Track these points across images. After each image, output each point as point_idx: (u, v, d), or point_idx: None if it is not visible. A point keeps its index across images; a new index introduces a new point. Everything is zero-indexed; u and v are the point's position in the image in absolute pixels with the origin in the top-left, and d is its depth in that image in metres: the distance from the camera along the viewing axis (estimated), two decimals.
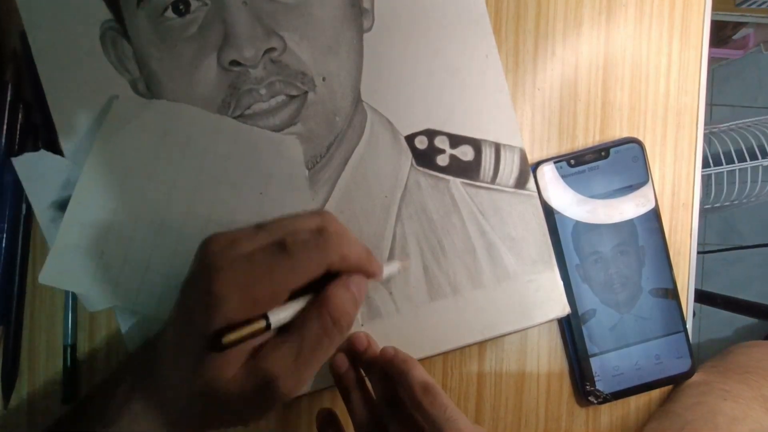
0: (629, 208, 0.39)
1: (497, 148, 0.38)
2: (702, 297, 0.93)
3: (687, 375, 0.39)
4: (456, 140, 0.38)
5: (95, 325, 0.38)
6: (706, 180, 0.77)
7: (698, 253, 0.41)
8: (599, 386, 0.38)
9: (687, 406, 0.37)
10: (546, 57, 0.40)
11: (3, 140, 0.37)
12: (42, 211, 0.37)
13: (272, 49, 0.36)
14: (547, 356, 0.40)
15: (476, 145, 0.38)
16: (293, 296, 0.28)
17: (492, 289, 0.37)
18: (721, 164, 0.77)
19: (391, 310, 0.37)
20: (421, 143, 0.38)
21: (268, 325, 0.27)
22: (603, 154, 0.39)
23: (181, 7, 0.36)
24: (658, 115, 0.40)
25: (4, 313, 0.37)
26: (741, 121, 0.83)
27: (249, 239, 0.28)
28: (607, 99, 0.40)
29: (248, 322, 0.27)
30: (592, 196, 0.39)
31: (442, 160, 0.38)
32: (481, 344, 0.39)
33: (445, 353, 0.39)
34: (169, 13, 0.36)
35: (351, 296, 0.29)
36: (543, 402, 0.40)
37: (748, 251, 1.33)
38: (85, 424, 0.32)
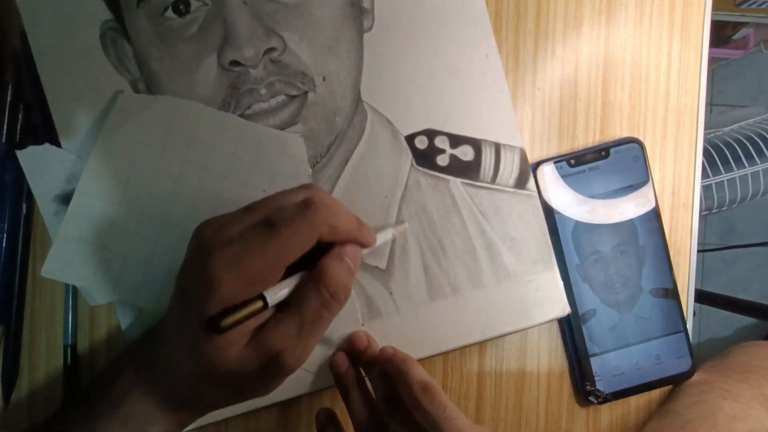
0: (629, 208, 0.39)
1: (497, 148, 0.38)
2: (702, 297, 0.93)
3: (687, 375, 0.39)
4: (456, 140, 0.38)
5: (95, 325, 0.38)
6: (704, 190, 0.77)
7: (698, 252, 0.41)
8: (599, 386, 0.38)
9: (687, 405, 0.38)
10: (546, 57, 0.40)
11: (3, 140, 0.37)
12: (45, 204, 0.37)
13: (272, 49, 0.36)
14: (547, 356, 0.40)
15: (476, 145, 0.38)
16: (289, 273, 0.29)
17: (492, 289, 0.38)
18: (720, 172, 0.77)
19: (391, 310, 0.37)
20: (421, 143, 0.38)
21: (266, 304, 0.27)
22: (603, 154, 0.39)
23: (181, 7, 0.36)
24: (658, 115, 0.40)
25: (5, 313, 0.37)
26: (743, 122, 0.82)
27: (239, 220, 0.28)
28: (607, 99, 0.40)
29: (245, 303, 0.27)
30: (593, 196, 0.39)
31: (442, 160, 0.38)
32: (481, 344, 0.39)
33: (445, 353, 0.39)
34: (169, 13, 0.36)
35: (346, 267, 0.29)
36: (543, 402, 0.40)
37: (748, 251, 1.33)
38: (88, 410, 0.32)
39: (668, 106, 0.40)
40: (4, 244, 0.37)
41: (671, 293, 0.39)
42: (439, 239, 0.38)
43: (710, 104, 1.44)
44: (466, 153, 0.38)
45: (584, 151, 0.39)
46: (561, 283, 0.38)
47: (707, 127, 0.81)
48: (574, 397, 0.40)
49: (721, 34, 1.24)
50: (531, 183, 0.38)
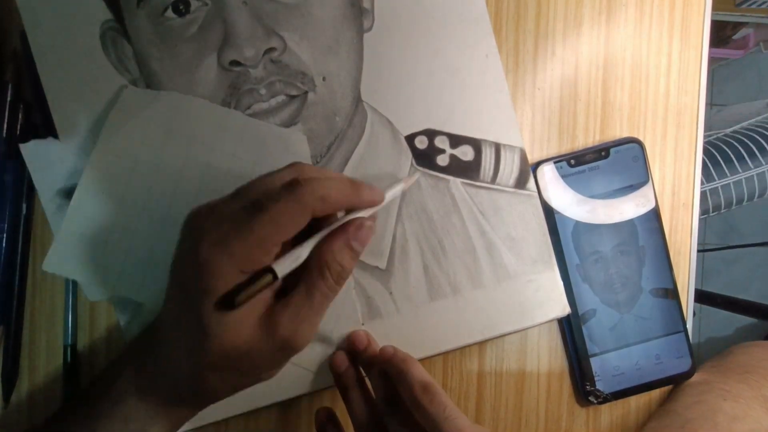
0: (629, 208, 0.39)
1: (497, 148, 0.38)
2: (702, 297, 0.93)
3: (687, 375, 0.39)
4: (456, 140, 0.38)
5: (95, 325, 0.38)
6: (704, 195, 0.76)
7: (698, 252, 0.41)
8: (599, 386, 0.38)
9: (687, 405, 0.38)
10: (546, 57, 0.40)
11: (3, 140, 0.37)
12: (48, 199, 0.37)
13: (272, 49, 0.36)
14: (547, 356, 0.40)
15: (476, 145, 0.38)
16: (294, 245, 0.29)
17: (492, 289, 0.38)
18: (726, 174, 0.77)
19: (391, 310, 0.37)
20: (421, 143, 0.38)
21: (275, 276, 0.28)
22: (603, 154, 0.39)
23: (181, 7, 0.36)
24: (658, 115, 0.40)
25: (5, 313, 0.37)
26: (745, 122, 0.82)
27: (227, 204, 0.28)
28: (607, 99, 0.40)
29: (254, 278, 0.27)
30: (592, 196, 0.39)
31: (442, 160, 0.38)
32: (481, 344, 0.39)
33: (445, 353, 0.39)
34: (169, 13, 0.36)
35: (349, 252, 0.29)
36: (543, 402, 0.40)
37: (748, 251, 1.33)
38: (88, 410, 0.32)
39: (668, 106, 0.40)
40: (4, 244, 0.37)
41: (671, 293, 0.39)
42: (439, 239, 0.38)
43: (710, 104, 1.44)
44: (466, 153, 0.38)
45: (584, 151, 0.39)
46: (561, 283, 0.38)
47: (707, 127, 0.81)
48: (574, 397, 0.40)
49: (721, 34, 1.24)
50: (531, 183, 0.38)
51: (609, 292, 0.39)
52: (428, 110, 0.38)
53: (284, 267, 0.28)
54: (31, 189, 0.38)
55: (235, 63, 0.36)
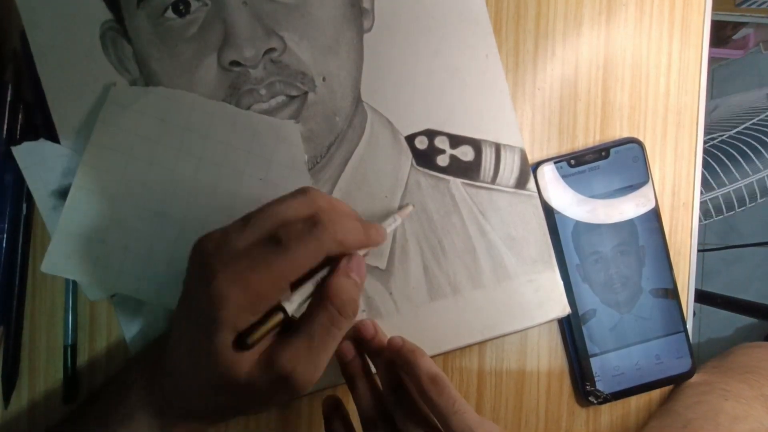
0: (629, 208, 0.39)
1: (497, 148, 0.38)
2: (702, 297, 0.93)
3: (687, 375, 0.39)
4: (456, 140, 0.38)
5: (95, 325, 0.38)
6: (703, 205, 0.76)
7: (698, 252, 0.41)
8: (599, 386, 0.38)
9: (688, 405, 0.37)
10: (546, 57, 0.40)
11: (3, 140, 0.37)
12: (43, 200, 0.37)
13: (272, 50, 0.36)
14: (547, 356, 0.40)
15: (476, 145, 0.38)
16: (298, 282, 0.29)
17: (492, 289, 0.37)
18: (722, 183, 0.76)
19: (391, 310, 0.37)
20: (421, 143, 0.38)
21: (286, 315, 0.28)
22: (603, 154, 0.39)
23: (181, 7, 0.36)
24: (658, 114, 0.40)
25: (5, 313, 0.37)
26: (747, 124, 0.82)
27: (239, 233, 0.28)
28: (607, 99, 0.40)
29: (267, 317, 0.27)
30: (593, 196, 0.39)
31: (442, 160, 0.38)
32: (481, 344, 0.39)
33: (445, 353, 0.39)
34: (170, 13, 0.36)
35: (352, 282, 0.30)
36: (543, 402, 0.40)
37: (748, 251, 1.33)
38: (95, 424, 0.32)
39: (668, 105, 0.40)
40: (4, 244, 0.37)
41: (671, 293, 0.39)
42: (439, 239, 0.38)
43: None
44: (466, 153, 0.38)
45: (584, 151, 0.39)
46: (561, 283, 0.38)
47: (707, 129, 0.81)
48: (574, 397, 0.40)
49: (721, 34, 1.24)
50: (531, 183, 0.38)
51: (609, 292, 0.39)
52: (428, 110, 0.38)
53: (294, 304, 0.28)
54: None
55: (235, 63, 0.36)
